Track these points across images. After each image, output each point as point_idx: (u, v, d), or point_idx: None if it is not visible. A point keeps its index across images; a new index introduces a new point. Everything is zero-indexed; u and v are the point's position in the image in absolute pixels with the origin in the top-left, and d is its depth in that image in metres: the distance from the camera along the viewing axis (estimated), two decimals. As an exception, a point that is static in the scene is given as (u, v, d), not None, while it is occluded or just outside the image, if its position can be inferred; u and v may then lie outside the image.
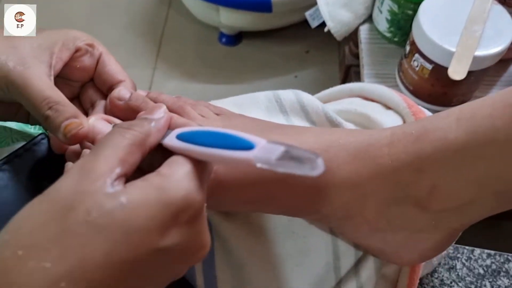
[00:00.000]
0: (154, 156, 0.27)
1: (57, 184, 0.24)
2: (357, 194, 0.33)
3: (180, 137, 0.26)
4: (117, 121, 0.33)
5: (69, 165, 0.29)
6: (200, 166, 0.26)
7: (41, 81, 0.31)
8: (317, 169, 0.23)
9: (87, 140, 0.31)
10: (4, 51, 0.31)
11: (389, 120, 0.41)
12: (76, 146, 0.33)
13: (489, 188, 0.30)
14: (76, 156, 0.32)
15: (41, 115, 0.31)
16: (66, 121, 0.30)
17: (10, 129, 0.37)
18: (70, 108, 0.31)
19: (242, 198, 0.33)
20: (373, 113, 0.41)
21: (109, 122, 0.33)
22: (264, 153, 0.23)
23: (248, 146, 0.24)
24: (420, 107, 0.42)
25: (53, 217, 0.22)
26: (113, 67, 0.36)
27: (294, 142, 0.33)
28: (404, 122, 0.42)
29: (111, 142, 0.25)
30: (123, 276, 0.22)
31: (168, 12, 1.34)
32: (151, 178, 0.24)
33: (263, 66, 1.25)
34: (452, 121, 0.30)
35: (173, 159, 0.26)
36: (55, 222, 0.22)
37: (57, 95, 0.31)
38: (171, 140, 0.27)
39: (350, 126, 0.41)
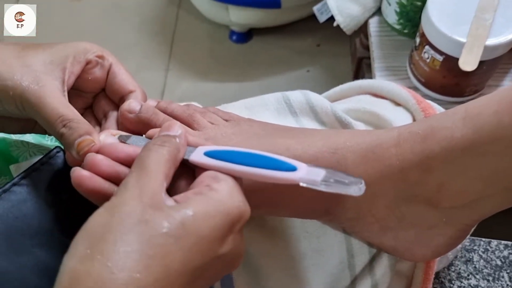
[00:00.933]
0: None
1: (119, 198, 0.25)
2: (366, 194, 0.33)
3: (209, 154, 0.29)
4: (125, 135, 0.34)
5: (76, 170, 0.30)
6: (238, 181, 0.28)
7: (55, 99, 0.32)
8: (359, 191, 0.27)
9: None
10: (18, 71, 0.32)
11: (399, 117, 0.41)
12: None
13: (497, 184, 0.30)
14: None
15: (56, 133, 0.32)
16: (79, 139, 0.31)
17: (28, 143, 0.38)
18: (83, 125, 0.32)
19: (252, 202, 0.33)
20: (382, 110, 0.41)
21: None
22: (308, 175, 0.27)
23: (288, 168, 0.27)
24: (429, 102, 0.42)
25: (132, 230, 0.24)
26: (123, 77, 0.36)
27: (303, 145, 0.34)
28: (414, 118, 0.42)
29: (153, 159, 0.27)
30: (193, 281, 0.25)
31: (178, 13, 1.35)
32: (206, 192, 0.26)
33: (275, 62, 1.25)
34: (459, 119, 0.31)
35: (214, 174, 0.28)
36: (135, 235, 0.24)
37: (71, 112, 0.32)
38: (200, 157, 0.29)
39: (359, 124, 0.42)
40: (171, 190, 0.28)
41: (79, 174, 0.29)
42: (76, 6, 1.38)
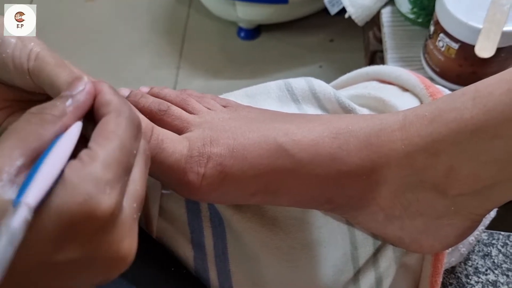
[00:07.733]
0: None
1: None
2: (370, 181, 0.31)
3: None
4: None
5: None
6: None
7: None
8: None
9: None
10: None
11: (405, 102, 0.39)
12: None
13: (510, 169, 0.28)
14: None
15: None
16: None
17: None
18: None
19: (249, 189, 0.32)
20: (388, 96, 0.40)
21: None
22: None
23: None
24: (438, 87, 0.40)
25: None
26: None
27: (303, 130, 0.32)
28: (421, 104, 0.40)
29: (14, 131, 0.22)
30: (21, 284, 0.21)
31: (188, 11, 1.34)
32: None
33: (286, 58, 1.24)
34: (468, 100, 0.29)
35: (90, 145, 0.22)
36: None
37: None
38: None
39: (364, 111, 0.40)
40: None
41: None
42: (90, 6, 1.39)
